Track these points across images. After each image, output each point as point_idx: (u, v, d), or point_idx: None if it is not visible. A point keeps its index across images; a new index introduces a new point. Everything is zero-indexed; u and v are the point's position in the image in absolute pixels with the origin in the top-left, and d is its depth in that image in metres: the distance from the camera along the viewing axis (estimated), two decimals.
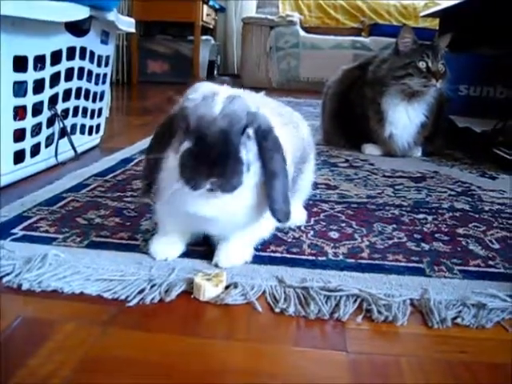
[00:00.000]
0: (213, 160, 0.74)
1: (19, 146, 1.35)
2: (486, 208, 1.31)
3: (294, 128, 1.04)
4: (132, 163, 1.62)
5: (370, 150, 1.98)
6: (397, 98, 1.87)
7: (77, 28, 1.54)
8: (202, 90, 0.81)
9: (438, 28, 3.84)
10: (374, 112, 1.93)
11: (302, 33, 4.87)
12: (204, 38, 4.98)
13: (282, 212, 0.83)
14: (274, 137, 0.83)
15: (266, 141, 0.81)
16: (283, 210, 0.83)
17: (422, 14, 4.21)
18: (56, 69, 1.46)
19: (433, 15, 3.85)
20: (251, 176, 0.79)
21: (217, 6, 5.48)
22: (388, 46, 4.45)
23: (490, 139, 1.94)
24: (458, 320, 0.76)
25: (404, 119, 1.90)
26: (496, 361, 0.68)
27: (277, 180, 0.82)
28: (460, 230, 1.14)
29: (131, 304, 0.77)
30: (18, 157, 1.36)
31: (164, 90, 4.20)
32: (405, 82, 1.83)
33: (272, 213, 0.83)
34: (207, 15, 5.03)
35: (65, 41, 1.49)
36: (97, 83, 1.80)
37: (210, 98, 0.77)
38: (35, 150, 1.44)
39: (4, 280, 0.82)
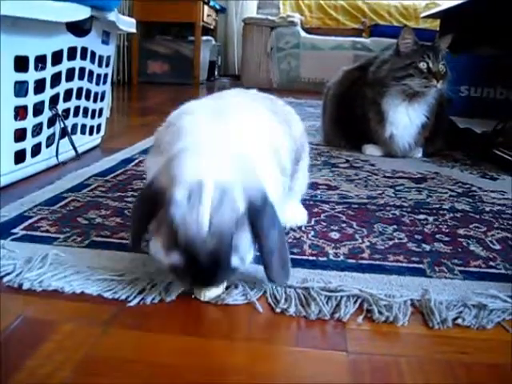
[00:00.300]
0: (204, 276, 0.72)
1: (20, 145, 1.35)
2: (487, 209, 1.31)
3: (288, 127, 1.03)
4: (132, 163, 1.62)
5: (371, 150, 1.98)
6: (397, 99, 1.87)
7: (78, 28, 1.54)
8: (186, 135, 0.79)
9: (438, 29, 3.84)
10: (375, 113, 1.93)
11: (302, 33, 4.88)
12: (205, 38, 4.98)
13: (279, 280, 0.79)
14: (268, 210, 0.75)
15: (261, 220, 0.74)
16: (280, 278, 0.79)
17: (422, 15, 4.21)
18: (57, 69, 1.46)
19: (433, 16, 3.85)
20: (247, 261, 0.77)
21: (217, 7, 5.49)
22: (389, 46, 4.43)
23: (490, 140, 1.94)
24: (459, 321, 0.76)
25: (405, 120, 1.90)
26: (497, 361, 0.68)
27: (274, 254, 0.76)
28: (461, 231, 1.13)
29: (132, 304, 0.77)
30: (19, 157, 1.36)
31: (164, 90, 4.20)
32: (405, 83, 1.83)
33: (269, 280, 0.79)
34: (208, 16, 5.04)
35: (66, 41, 1.49)
36: (98, 83, 1.80)
37: (197, 198, 0.69)
38: (36, 149, 1.44)
39: (5, 279, 0.82)
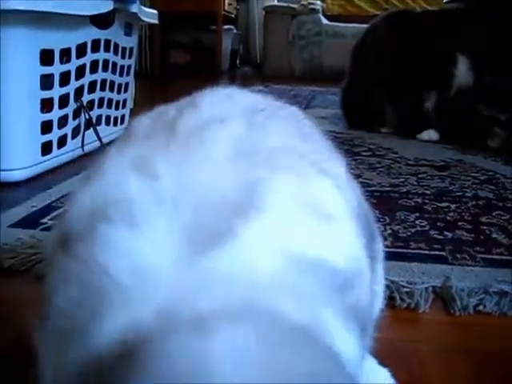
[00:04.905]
0: None
1: (46, 137, 1.38)
2: (510, 196, 1.30)
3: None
4: None
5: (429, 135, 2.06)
6: None
7: (101, 21, 1.56)
8: None
9: None
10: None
11: (324, 21, 4.85)
12: (226, 27, 4.98)
13: None
14: None
15: None
16: None
17: (445, 0, 4.15)
18: (81, 61, 1.49)
19: (457, 1, 3.80)
20: None
21: None
22: None
23: None
24: (480, 307, 0.76)
25: None
26: None
27: None
28: (483, 219, 1.13)
29: None
30: (46, 148, 1.39)
31: (187, 80, 4.22)
32: None
33: None
34: (229, 4, 5.03)
35: (90, 34, 1.51)
36: (121, 75, 1.82)
37: None
38: (62, 141, 1.47)
39: (35, 268, 0.85)
